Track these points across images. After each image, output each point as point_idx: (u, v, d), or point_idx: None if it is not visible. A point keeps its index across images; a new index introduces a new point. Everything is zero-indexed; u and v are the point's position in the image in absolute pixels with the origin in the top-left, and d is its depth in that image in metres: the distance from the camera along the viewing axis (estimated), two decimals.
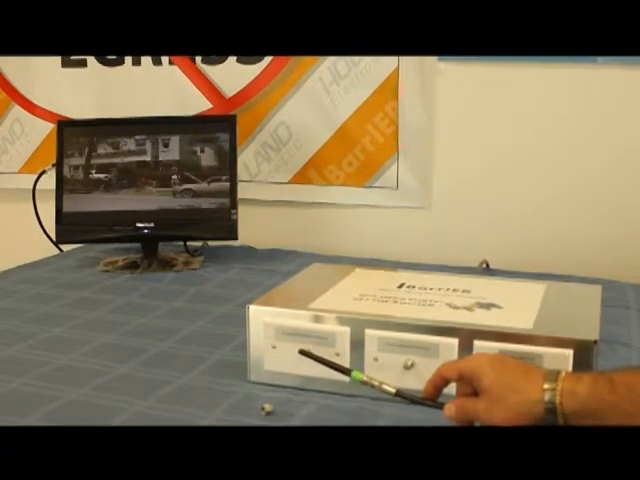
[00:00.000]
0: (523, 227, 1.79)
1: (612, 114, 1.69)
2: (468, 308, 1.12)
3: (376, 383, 0.95)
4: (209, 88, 1.98)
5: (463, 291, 1.19)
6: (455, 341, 1.03)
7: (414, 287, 1.21)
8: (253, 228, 1.92)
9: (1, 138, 2.22)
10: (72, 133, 1.81)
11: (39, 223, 1.88)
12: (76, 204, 1.79)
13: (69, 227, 1.78)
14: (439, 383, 0.90)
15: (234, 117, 1.82)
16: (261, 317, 1.12)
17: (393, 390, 0.93)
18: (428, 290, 1.20)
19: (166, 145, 1.80)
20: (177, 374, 1.17)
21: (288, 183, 1.97)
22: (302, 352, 1.07)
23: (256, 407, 1.04)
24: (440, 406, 0.89)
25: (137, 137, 1.82)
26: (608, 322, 1.23)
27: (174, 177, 1.79)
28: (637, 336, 1.30)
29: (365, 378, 0.96)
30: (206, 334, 1.34)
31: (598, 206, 1.72)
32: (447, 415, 0.87)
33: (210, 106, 1.99)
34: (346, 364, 1.08)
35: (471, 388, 0.87)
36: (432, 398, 0.91)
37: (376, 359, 1.07)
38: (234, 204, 1.77)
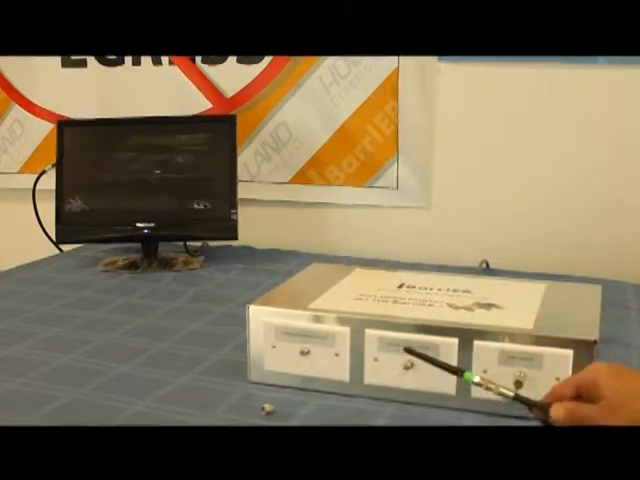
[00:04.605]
0: (523, 227, 1.79)
1: (612, 114, 1.68)
2: (468, 308, 1.12)
3: (492, 386, 0.86)
4: (209, 88, 1.98)
5: (463, 291, 1.19)
6: (455, 341, 1.03)
7: (414, 287, 1.21)
8: (253, 228, 1.92)
9: (1, 138, 2.23)
10: (72, 133, 1.82)
11: (39, 223, 1.88)
12: (76, 204, 1.79)
13: (69, 227, 1.78)
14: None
15: (234, 117, 1.82)
16: (261, 317, 1.12)
17: (511, 394, 0.85)
18: (428, 290, 1.20)
19: (166, 145, 1.80)
20: (177, 374, 1.17)
21: (288, 183, 1.97)
22: (407, 350, 0.98)
23: (256, 407, 1.04)
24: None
25: (137, 137, 1.82)
26: (608, 322, 1.23)
27: (174, 177, 1.79)
28: (637, 336, 1.30)
29: (479, 380, 0.87)
30: (206, 334, 1.34)
31: (598, 206, 1.72)
32: (554, 417, 0.80)
33: (210, 106, 1.99)
34: (346, 364, 1.08)
35: (585, 399, 0.81)
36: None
37: (376, 359, 1.07)
38: (234, 204, 1.77)
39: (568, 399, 0.82)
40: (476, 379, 0.87)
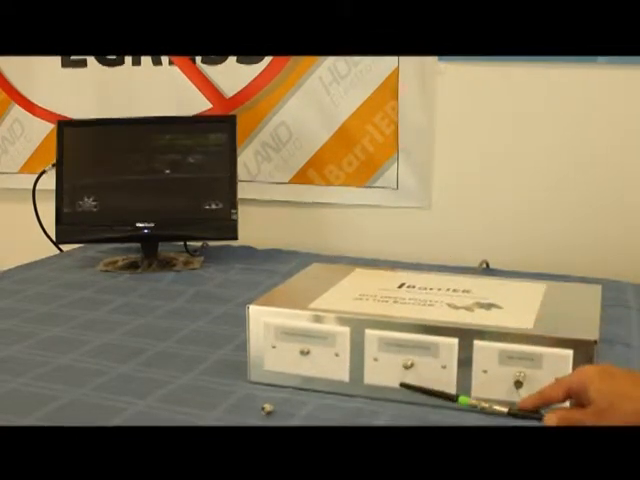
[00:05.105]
0: (523, 227, 1.79)
1: (612, 114, 1.69)
2: (468, 308, 1.12)
3: (486, 405, 0.89)
4: (209, 88, 1.98)
5: (463, 291, 1.19)
6: (455, 341, 1.03)
7: (414, 287, 1.21)
8: (253, 228, 1.92)
9: (1, 138, 2.22)
10: (72, 133, 1.82)
11: (39, 223, 1.88)
12: (76, 204, 1.79)
13: (69, 227, 1.78)
14: (540, 405, 0.84)
15: (234, 117, 1.82)
16: (261, 317, 1.12)
17: (505, 410, 0.88)
18: (428, 290, 1.20)
19: (166, 145, 1.80)
20: (177, 374, 1.17)
21: (288, 183, 1.97)
22: (403, 385, 1.00)
23: (256, 407, 1.04)
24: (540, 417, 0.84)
25: (137, 137, 1.82)
26: (608, 322, 1.23)
27: (174, 177, 1.79)
28: (637, 336, 1.30)
29: (474, 402, 0.91)
30: (206, 334, 1.34)
31: (598, 206, 1.72)
32: (548, 426, 0.81)
33: (210, 106, 1.99)
34: (346, 364, 1.08)
35: (576, 402, 0.82)
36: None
37: (376, 359, 1.07)
38: (234, 204, 1.77)
39: (558, 402, 0.82)
40: (472, 402, 0.90)
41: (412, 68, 1.80)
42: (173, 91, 2.01)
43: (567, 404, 0.84)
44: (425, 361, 1.04)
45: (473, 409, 0.92)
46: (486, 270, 1.66)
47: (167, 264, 1.79)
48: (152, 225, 1.77)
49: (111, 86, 2.07)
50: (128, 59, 2.05)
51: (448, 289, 1.20)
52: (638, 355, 1.22)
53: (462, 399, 0.91)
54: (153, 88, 2.03)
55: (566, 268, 1.63)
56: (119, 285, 1.65)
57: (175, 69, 2.00)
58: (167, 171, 1.79)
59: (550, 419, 0.81)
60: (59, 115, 2.09)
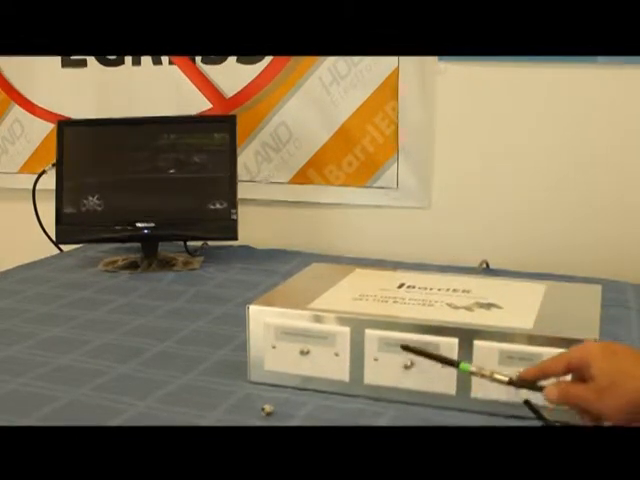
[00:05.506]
0: (523, 227, 1.79)
1: (612, 114, 1.68)
2: (468, 308, 1.12)
3: (487, 373, 0.89)
4: (209, 88, 1.98)
5: (463, 291, 1.19)
6: (455, 341, 1.03)
7: (414, 287, 1.21)
8: (253, 228, 1.92)
9: (1, 138, 2.23)
10: (72, 133, 1.82)
11: (39, 223, 1.88)
12: (76, 204, 1.79)
13: (69, 227, 1.78)
14: (540, 377, 0.85)
15: (234, 117, 1.82)
16: (261, 317, 1.12)
17: (506, 379, 0.88)
18: (428, 290, 1.20)
19: (166, 145, 1.80)
20: (177, 374, 1.17)
21: (288, 183, 1.97)
22: (404, 347, 1.01)
23: (256, 407, 1.04)
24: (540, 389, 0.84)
25: (137, 137, 1.82)
26: (608, 322, 1.23)
27: (174, 177, 1.79)
28: (637, 336, 1.30)
29: (474, 369, 0.91)
30: (206, 334, 1.34)
31: (598, 206, 1.72)
32: (548, 398, 0.81)
33: (210, 106, 1.99)
34: (346, 364, 1.08)
35: (578, 377, 0.82)
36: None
37: (376, 359, 1.07)
38: (234, 204, 1.77)
39: (557, 375, 0.83)
40: (472, 369, 0.90)
41: (412, 68, 1.80)
42: (173, 91, 2.01)
43: (569, 377, 0.84)
44: (425, 361, 1.03)
45: (474, 374, 0.92)
46: (486, 270, 1.66)
47: (167, 264, 1.79)
48: (152, 225, 1.77)
49: (111, 86, 2.07)
50: (128, 59, 2.05)
51: (448, 289, 1.20)
52: None
53: (463, 366, 0.92)
54: (153, 88, 2.03)
55: (566, 268, 1.63)
56: (119, 285, 1.65)
57: (175, 69, 2.00)
58: (167, 171, 1.79)
59: (551, 391, 0.81)
60: (59, 115, 2.09)
